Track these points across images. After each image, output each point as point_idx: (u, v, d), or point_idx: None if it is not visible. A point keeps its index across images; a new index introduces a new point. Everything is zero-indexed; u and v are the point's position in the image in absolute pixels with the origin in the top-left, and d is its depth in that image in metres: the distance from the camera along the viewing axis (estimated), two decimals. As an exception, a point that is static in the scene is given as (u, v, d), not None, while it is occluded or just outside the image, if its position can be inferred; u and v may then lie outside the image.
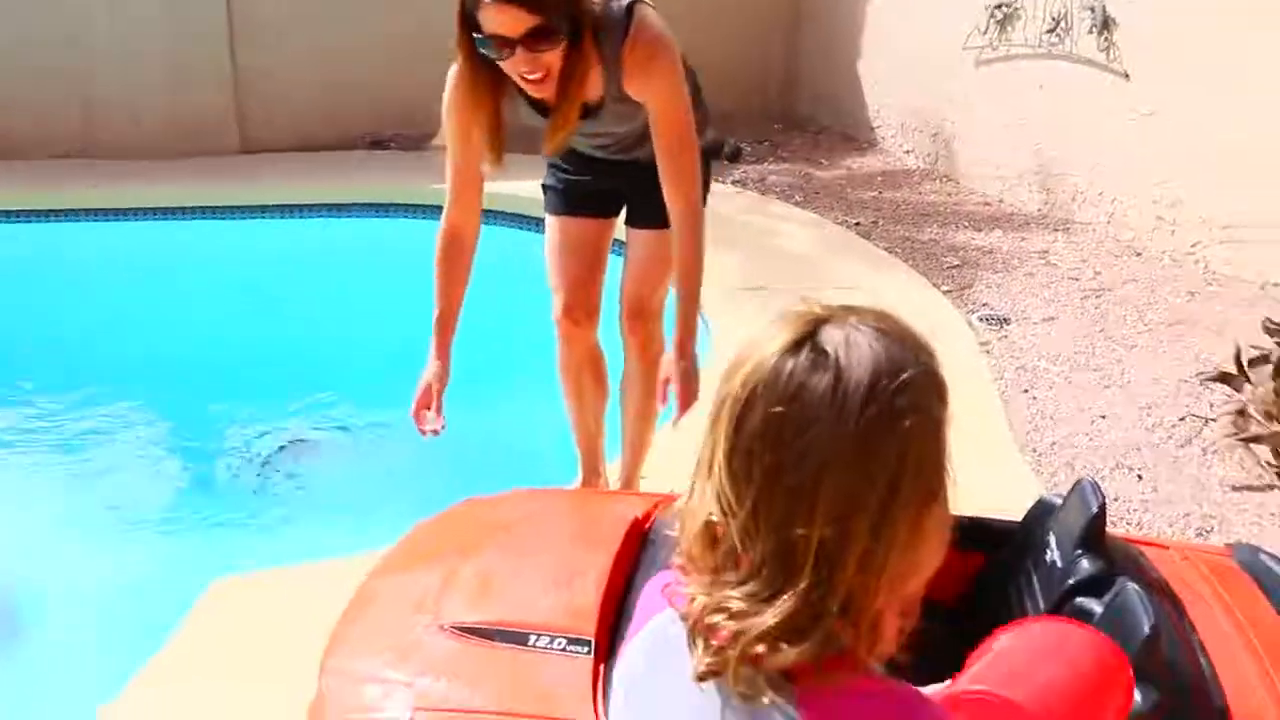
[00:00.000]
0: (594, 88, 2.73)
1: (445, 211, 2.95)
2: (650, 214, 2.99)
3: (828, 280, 5.52)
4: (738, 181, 6.85)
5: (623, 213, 3.25)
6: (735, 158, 6.94)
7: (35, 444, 4.62)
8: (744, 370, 0.99)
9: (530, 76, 2.60)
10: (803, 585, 0.96)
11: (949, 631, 2.53)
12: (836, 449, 0.95)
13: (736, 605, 0.98)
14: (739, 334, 1.10)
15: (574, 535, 2.55)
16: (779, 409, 0.96)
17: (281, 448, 4.48)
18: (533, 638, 2.17)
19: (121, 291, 5.91)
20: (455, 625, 2.25)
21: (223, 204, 6.62)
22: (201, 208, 6.61)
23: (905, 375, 0.96)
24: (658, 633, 1.14)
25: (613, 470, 3.56)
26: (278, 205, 6.64)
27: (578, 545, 2.47)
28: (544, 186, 3.25)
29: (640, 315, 3.23)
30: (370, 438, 4.59)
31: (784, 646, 0.97)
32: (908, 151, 7.58)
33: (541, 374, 3.45)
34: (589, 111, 2.81)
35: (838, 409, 0.94)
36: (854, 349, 0.96)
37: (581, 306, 3.17)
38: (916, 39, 7.19)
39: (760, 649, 0.97)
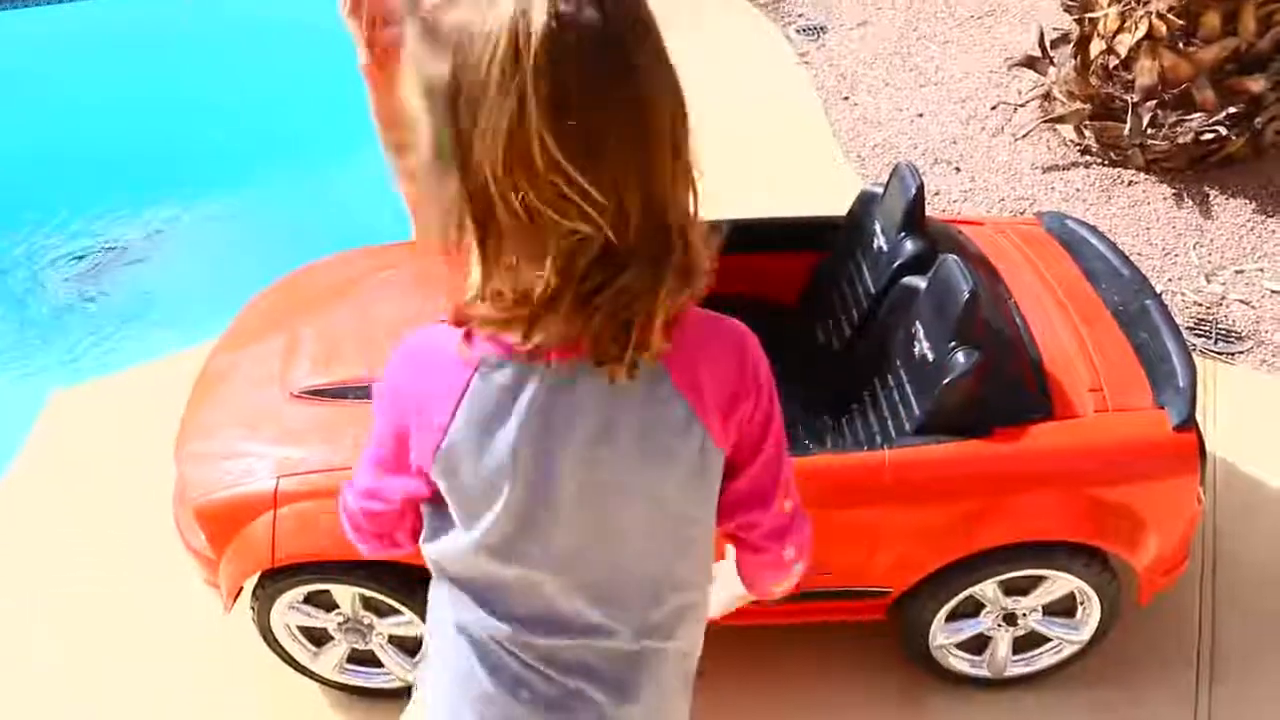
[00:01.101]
0: None
1: None
2: None
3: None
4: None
5: None
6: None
7: None
8: (533, 47, 0.87)
9: None
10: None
11: (799, 327, 2.66)
12: (652, 78, 0.92)
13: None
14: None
15: (412, 284, 2.51)
16: (590, 68, 0.89)
17: (82, 258, 4.22)
18: (385, 389, 2.18)
19: None
20: (305, 390, 2.23)
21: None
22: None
23: None
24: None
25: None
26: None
27: (418, 293, 2.43)
28: None
29: None
30: (180, 230, 4.36)
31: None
32: None
33: (356, 131, 3.29)
34: None
35: (634, 42, 0.91)
36: None
37: (385, 44, 2.98)
38: None
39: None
